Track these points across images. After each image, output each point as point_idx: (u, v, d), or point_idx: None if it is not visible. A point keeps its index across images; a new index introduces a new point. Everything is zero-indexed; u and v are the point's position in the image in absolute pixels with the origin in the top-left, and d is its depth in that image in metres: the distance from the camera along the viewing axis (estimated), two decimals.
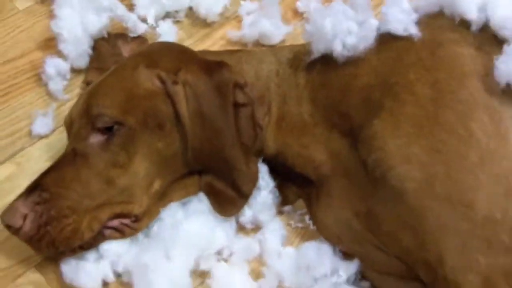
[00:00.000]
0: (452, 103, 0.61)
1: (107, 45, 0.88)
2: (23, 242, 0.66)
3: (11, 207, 0.65)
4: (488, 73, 0.61)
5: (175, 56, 0.71)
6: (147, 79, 0.68)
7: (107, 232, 0.67)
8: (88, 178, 0.65)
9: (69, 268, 0.67)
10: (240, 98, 0.70)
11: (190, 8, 0.97)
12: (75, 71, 0.87)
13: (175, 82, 0.67)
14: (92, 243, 0.66)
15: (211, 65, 0.70)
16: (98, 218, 0.65)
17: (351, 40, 0.65)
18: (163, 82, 0.68)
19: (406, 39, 0.66)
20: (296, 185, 0.75)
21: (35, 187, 0.66)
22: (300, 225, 0.74)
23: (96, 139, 0.67)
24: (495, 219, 0.57)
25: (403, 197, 0.59)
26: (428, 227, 0.58)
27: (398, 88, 0.63)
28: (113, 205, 0.66)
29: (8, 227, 0.65)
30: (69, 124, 0.71)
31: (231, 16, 0.97)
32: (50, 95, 0.85)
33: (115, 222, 0.67)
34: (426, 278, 0.60)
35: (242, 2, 0.97)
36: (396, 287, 0.67)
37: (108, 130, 0.66)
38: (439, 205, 0.58)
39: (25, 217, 0.64)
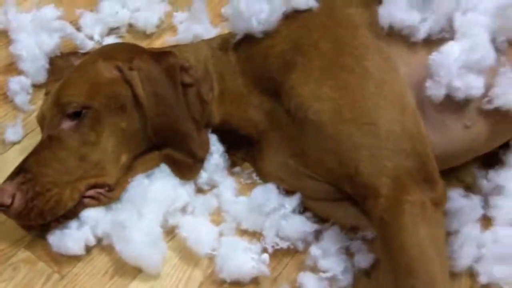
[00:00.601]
0: (349, 50, 0.77)
1: (62, 61, 1.00)
2: (13, 219, 0.76)
3: (1, 187, 0.75)
4: (374, 23, 0.78)
5: (128, 50, 0.86)
6: (106, 70, 0.81)
7: (86, 200, 0.78)
8: (64, 157, 0.77)
9: (55, 237, 0.77)
10: (186, 79, 0.84)
11: (130, 24, 1.11)
12: (36, 86, 0.99)
13: (130, 69, 0.81)
14: (73, 212, 0.78)
15: (159, 54, 0.85)
16: (77, 189, 0.77)
17: (263, 16, 0.80)
18: (120, 70, 0.81)
19: (308, 11, 0.82)
20: (242, 150, 0.88)
21: (19, 171, 0.77)
22: (249, 181, 0.87)
23: (67, 124, 0.79)
24: (396, 132, 0.72)
25: (321, 128, 0.74)
26: (344, 147, 0.73)
27: (305, 47, 0.79)
28: (89, 178, 0.78)
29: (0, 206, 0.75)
30: (41, 119, 0.83)
31: (166, 27, 1.12)
32: (17, 108, 0.97)
33: (92, 192, 0.79)
34: (351, 190, 0.74)
35: (175, 13, 1.12)
36: (331, 210, 0.81)
37: (77, 116, 0.78)
38: (349, 128, 0.73)
39: (13, 196, 0.74)
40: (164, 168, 0.84)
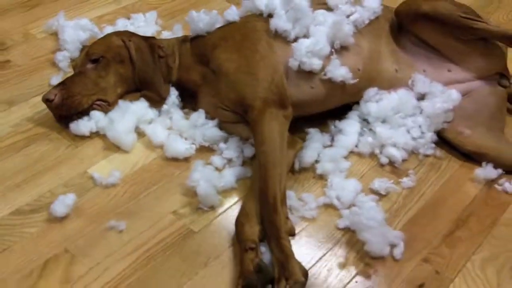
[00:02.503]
0: (250, 39, 1.36)
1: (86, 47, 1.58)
2: (53, 110, 1.31)
3: (48, 92, 1.31)
4: (267, 28, 1.37)
5: (129, 32, 1.46)
6: (116, 39, 1.41)
7: (95, 106, 1.34)
8: (86, 81, 1.35)
9: (73, 125, 1.33)
10: (160, 53, 1.42)
11: None
12: (72, 60, 1.56)
13: (129, 41, 1.39)
14: (86, 111, 1.33)
15: (147, 37, 1.45)
16: (90, 99, 1.34)
17: (205, 23, 1.40)
18: (123, 41, 1.40)
19: (233, 22, 1.42)
20: (188, 97, 1.42)
21: (60, 84, 1.32)
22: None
23: (90, 65, 1.37)
24: (267, 80, 1.29)
25: (228, 76, 1.31)
26: (239, 86, 1.30)
27: (227, 38, 1.38)
28: (98, 95, 1.35)
29: (47, 100, 1.29)
30: (74, 66, 1.42)
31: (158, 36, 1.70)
32: (60, 69, 1.54)
33: (98, 102, 1.35)
34: (241, 109, 1.29)
35: (162, 32, 1.71)
36: (234, 128, 1.34)
37: (96, 61, 1.36)
38: (242, 75, 1.30)
39: (55, 95, 1.29)
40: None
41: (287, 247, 1.07)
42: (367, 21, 1.44)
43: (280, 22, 1.39)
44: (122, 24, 1.67)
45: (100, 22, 1.72)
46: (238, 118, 1.34)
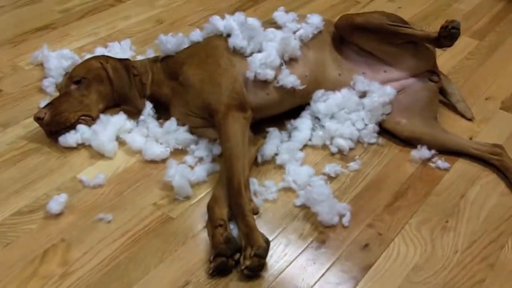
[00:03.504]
0: (212, 56, 1.56)
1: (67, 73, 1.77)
2: (43, 127, 1.49)
3: (39, 111, 1.49)
4: (227, 46, 1.57)
5: (105, 56, 1.65)
6: (95, 62, 1.60)
7: (80, 120, 1.52)
8: (71, 100, 1.53)
9: (62, 138, 1.50)
10: (135, 71, 1.61)
11: None
12: (56, 85, 1.74)
13: (107, 63, 1.59)
14: (73, 126, 1.51)
15: (122, 59, 1.64)
16: (77, 114, 1.52)
17: (173, 44, 1.60)
18: (101, 63, 1.59)
19: (197, 42, 1.62)
20: (160, 109, 1.61)
21: (48, 105, 1.50)
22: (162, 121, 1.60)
23: (73, 86, 1.55)
24: (229, 88, 1.49)
25: (194, 87, 1.50)
26: (204, 94, 1.49)
27: (193, 56, 1.58)
28: (82, 111, 1.53)
29: (38, 119, 1.47)
30: (60, 88, 1.61)
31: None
32: (47, 94, 1.72)
33: (83, 117, 1.53)
34: (207, 114, 1.49)
35: (137, 56, 1.90)
36: (203, 132, 1.53)
37: (78, 82, 1.55)
38: (207, 86, 1.49)
39: (45, 113, 1.47)
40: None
41: (250, 222, 1.25)
42: (311, 35, 1.65)
43: (237, 41, 1.59)
44: (100, 52, 1.84)
45: (80, 51, 1.91)
46: (205, 123, 1.53)
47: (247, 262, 1.18)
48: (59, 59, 1.78)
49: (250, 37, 1.60)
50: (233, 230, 1.27)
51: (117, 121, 1.53)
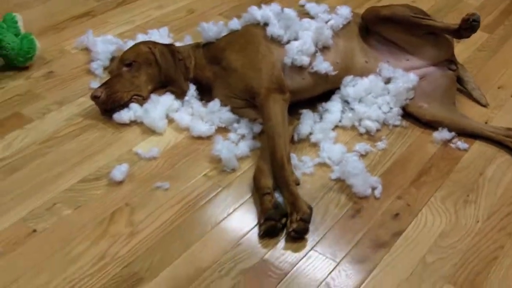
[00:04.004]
0: (252, 43, 1.69)
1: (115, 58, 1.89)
2: (99, 105, 1.62)
3: (95, 90, 1.63)
4: (265, 34, 1.70)
5: (152, 42, 1.78)
6: (144, 47, 1.73)
7: (133, 99, 1.65)
8: (123, 81, 1.66)
9: (116, 115, 1.63)
10: (180, 56, 1.74)
11: None
12: (104, 68, 1.87)
13: (154, 48, 1.72)
14: (126, 103, 1.64)
15: (166, 44, 1.77)
16: (129, 94, 1.65)
17: (214, 32, 1.73)
18: (150, 48, 1.72)
19: (236, 30, 1.75)
20: (205, 90, 1.73)
21: (102, 85, 1.64)
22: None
23: (125, 69, 1.68)
24: (269, 73, 1.62)
25: (236, 71, 1.63)
26: (247, 78, 1.62)
27: (233, 42, 1.71)
28: (134, 91, 1.66)
29: (94, 97, 1.60)
30: (111, 70, 1.74)
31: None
32: (96, 76, 1.84)
33: (135, 97, 1.66)
34: (250, 96, 1.62)
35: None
36: (244, 111, 1.66)
37: (129, 65, 1.68)
38: (249, 70, 1.62)
39: (101, 92, 1.60)
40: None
41: (294, 191, 1.39)
42: (341, 26, 1.79)
43: (274, 29, 1.72)
44: (141, 38, 1.97)
45: (122, 37, 2.03)
46: (246, 104, 1.66)
47: (294, 225, 1.32)
48: (105, 43, 1.91)
49: (286, 26, 1.72)
50: (278, 198, 1.41)
51: (165, 101, 1.66)
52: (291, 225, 1.33)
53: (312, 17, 1.81)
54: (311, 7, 1.85)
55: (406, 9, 1.79)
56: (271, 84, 1.60)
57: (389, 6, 1.84)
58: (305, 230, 1.33)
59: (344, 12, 1.82)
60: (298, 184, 1.46)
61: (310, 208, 1.36)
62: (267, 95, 1.57)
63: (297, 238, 1.32)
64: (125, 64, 1.69)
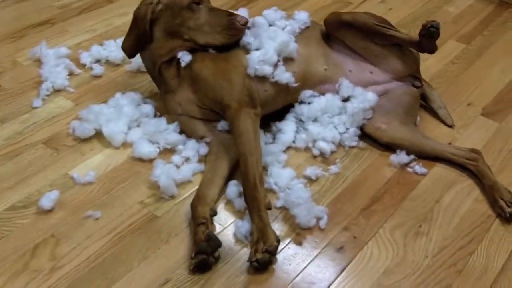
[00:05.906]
0: (225, 56, 1.55)
1: None
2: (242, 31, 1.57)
3: (242, 17, 1.55)
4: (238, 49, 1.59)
5: None
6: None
7: None
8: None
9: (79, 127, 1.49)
10: None
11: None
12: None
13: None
14: None
15: None
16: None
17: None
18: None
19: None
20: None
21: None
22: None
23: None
24: (240, 84, 1.50)
25: (206, 80, 1.50)
26: (217, 89, 1.50)
27: (206, 55, 1.56)
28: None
29: (245, 24, 1.55)
30: None
31: None
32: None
33: None
34: (219, 108, 1.50)
35: None
36: (195, 126, 1.54)
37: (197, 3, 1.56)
38: (219, 81, 1.49)
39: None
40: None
41: (265, 217, 1.28)
42: (298, 30, 1.68)
43: (244, 37, 1.59)
44: (95, 49, 1.88)
45: (77, 48, 1.93)
46: (211, 115, 1.55)
47: (258, 256, 1.22)
48: (56, 57, 1.81)
49: (256, 34, 1.61)
50: (244, 224, 1.30)
51: (128, 112, 1.57)
52: (255, 255, 1.23)
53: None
54: (267, 14, 1.72)
55: (369, 17, 1.68)
56: (242, 97, 1.49)
57: (352, 12, 1.73)
58: (269, 263, 1.23)
59: (302, 16, 1.71)
60: (269, 209, 1.33)
61: (278, 241, 1.25)
62: (238, 109, 1.46)
63: (259, 269, 1.22)
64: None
